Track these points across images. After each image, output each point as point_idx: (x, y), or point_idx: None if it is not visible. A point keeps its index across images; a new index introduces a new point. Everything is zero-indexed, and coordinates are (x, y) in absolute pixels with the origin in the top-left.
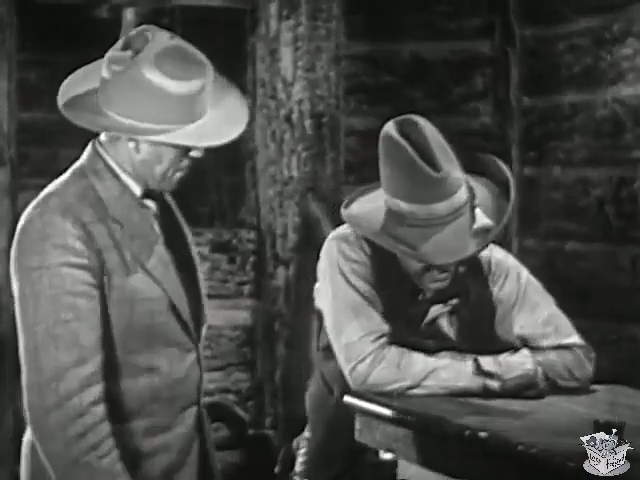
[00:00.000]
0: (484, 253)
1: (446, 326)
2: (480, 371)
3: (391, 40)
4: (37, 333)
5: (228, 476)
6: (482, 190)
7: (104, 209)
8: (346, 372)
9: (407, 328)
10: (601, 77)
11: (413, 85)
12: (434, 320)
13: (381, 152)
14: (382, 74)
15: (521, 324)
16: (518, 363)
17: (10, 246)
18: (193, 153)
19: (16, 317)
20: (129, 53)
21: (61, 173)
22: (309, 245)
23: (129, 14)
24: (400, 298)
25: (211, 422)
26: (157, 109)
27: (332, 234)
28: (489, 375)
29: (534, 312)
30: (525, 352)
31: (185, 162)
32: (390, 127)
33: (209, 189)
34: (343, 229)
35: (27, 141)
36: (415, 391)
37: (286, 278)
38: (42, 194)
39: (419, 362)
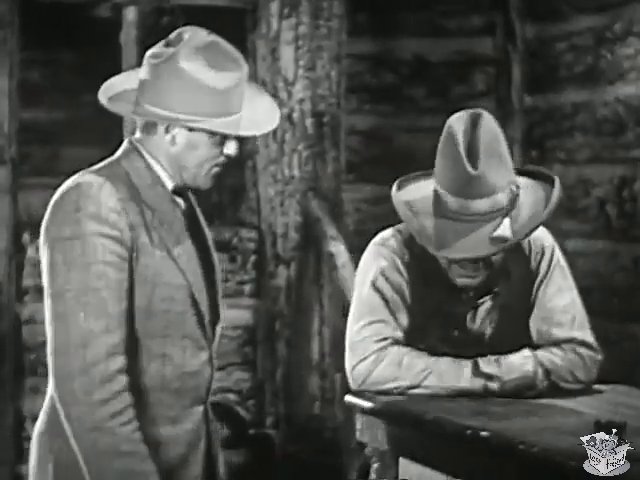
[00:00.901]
0: None
1: (490, 310)
2: (479, 372)
3: (393, 39)
4: (67, 299)
5: (229, 475)
6: (535, 192)
7: (137, 192)
8: (348, 371)
9: (449, 327)
10: (602, 76)
11: (415, 84)
12: (478, 307)
13: (441, 138)
14: (383, 73)
15: (541, 306)
16: (518, 364)
17: (10, 246)
18: (228, 150)
19: (43, 288)
20: (168, 48)
21: (63, 172)
22: (310, 244)
23: (130, 13)
24: (442, 298)
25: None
26: (195, 100)
27: (374, 239)
28: (488, 376)
29: (555, 296)
30: (526, 352)
31: (220, 159)
32: (457, 115)
33: (209, 188)
34: (385, 233)
35: (28, 140)
36: (415, 391)
37: (287, 277)
38: (75, 176)
39: (420, 362)
